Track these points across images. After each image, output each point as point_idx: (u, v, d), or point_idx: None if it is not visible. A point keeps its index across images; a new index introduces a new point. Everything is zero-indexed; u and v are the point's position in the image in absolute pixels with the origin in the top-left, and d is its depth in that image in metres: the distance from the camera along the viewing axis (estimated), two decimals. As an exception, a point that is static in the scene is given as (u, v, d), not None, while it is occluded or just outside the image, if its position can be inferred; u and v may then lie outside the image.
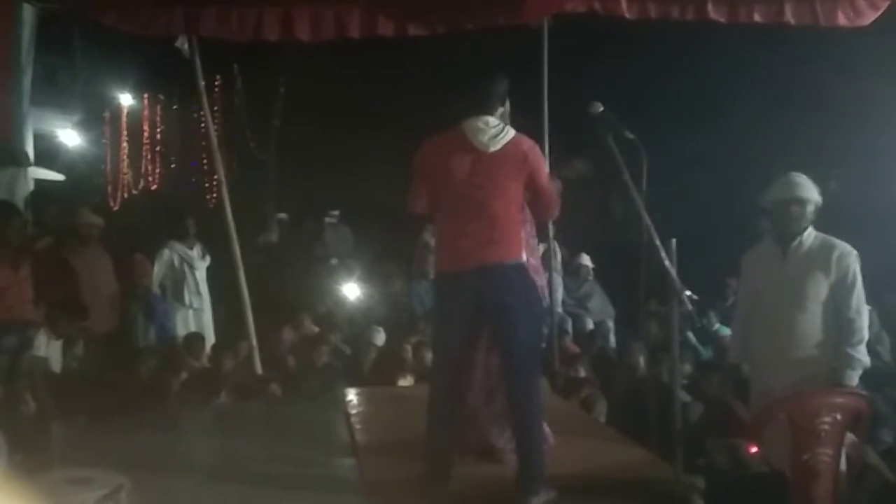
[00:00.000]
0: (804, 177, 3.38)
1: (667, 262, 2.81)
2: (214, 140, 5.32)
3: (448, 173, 2.80)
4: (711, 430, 3.70)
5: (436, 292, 2.97)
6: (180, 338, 5.49)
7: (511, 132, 2.80)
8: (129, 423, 3.92)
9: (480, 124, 2.77)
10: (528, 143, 2.83)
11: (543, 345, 3.26)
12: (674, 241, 2.93)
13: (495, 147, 2.75)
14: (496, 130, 2.77)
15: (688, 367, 3.89)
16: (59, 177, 8.10)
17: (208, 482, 3.20)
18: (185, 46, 4.74)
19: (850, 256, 3.26)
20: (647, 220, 2.85)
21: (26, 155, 4.14)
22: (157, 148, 13.97)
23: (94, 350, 4.60)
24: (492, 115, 2.81)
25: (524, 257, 2.86)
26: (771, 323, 3.33)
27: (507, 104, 2.97)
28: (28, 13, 4.02)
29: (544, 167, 2.91)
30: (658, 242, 2.83)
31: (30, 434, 3.32)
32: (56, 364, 4.15)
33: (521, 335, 2.78)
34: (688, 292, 2.86)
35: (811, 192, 3.32)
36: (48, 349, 3.96)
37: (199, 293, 5.86)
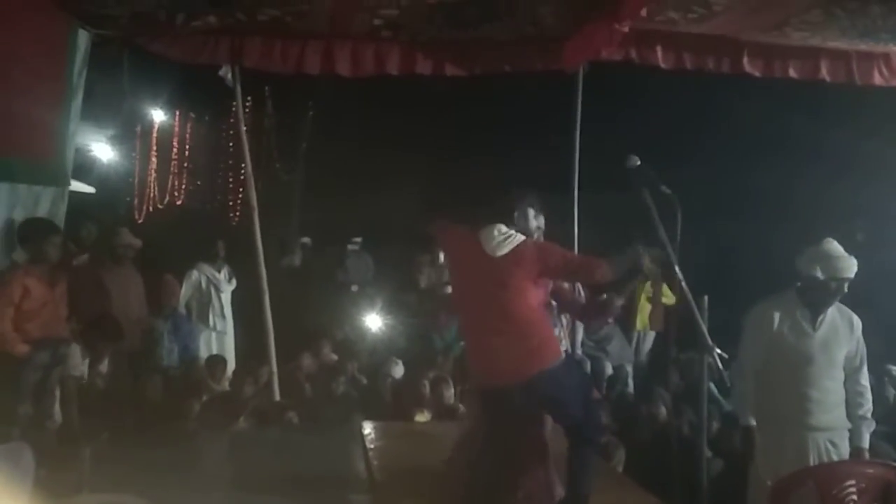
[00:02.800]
0: (844, 253, 3.34)
1: (698, 318, 2.82)
2: (249, 165, 5.39)
3: (462, 275, 3.03)
4: (733, 489, 3.66)
5: (482, 405, 3.05)
6: (202, 359, 5.53)
7: (519, 238, 2.92)
8: (149, 442, 3.96)
9: (494, 232, 2.92)
10: (532, 243, 2.95)
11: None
12: (706, 297, 2.95)
13: (502, 252, 2.87)
14: (504, 237, 2.90)
15: (715, 425, 3.85)
16: (91, 189, 8.26)
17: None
18: (229, 76, 4.87)
19: (859, 325, 3.37)
20: (679, 275, 2.88)
21: (68, 175, 4.25)
22: (185, 164, 14.18)
23: (118, 367, 4.64)
24: (504, 223, 2.95)
25: (562, 352, 2.94)
26: (799, 387, 3.30)
27: (542, 220, 3.13)
28: (83, 38, 4.16)
29: (553, 250, 2.94)
30: (690, 298, 2.85)
31: (55, 450, 3.36)
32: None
33: (573, 413, 2.90)
34: (718, 350, 2.85)
35: (852, 271, 3.30)
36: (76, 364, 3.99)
37: (223, 316, 5.91)
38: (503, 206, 3.00)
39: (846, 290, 3.32)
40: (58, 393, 3.70)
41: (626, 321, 6.93)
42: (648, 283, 6.86)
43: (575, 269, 2.95)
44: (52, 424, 3.68)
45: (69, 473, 2.95)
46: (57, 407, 3.69)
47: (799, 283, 3.40)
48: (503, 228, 2.93)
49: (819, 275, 3.27)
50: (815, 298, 3.34)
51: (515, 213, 3.00)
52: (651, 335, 7.07)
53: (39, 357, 3.68)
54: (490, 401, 2.99)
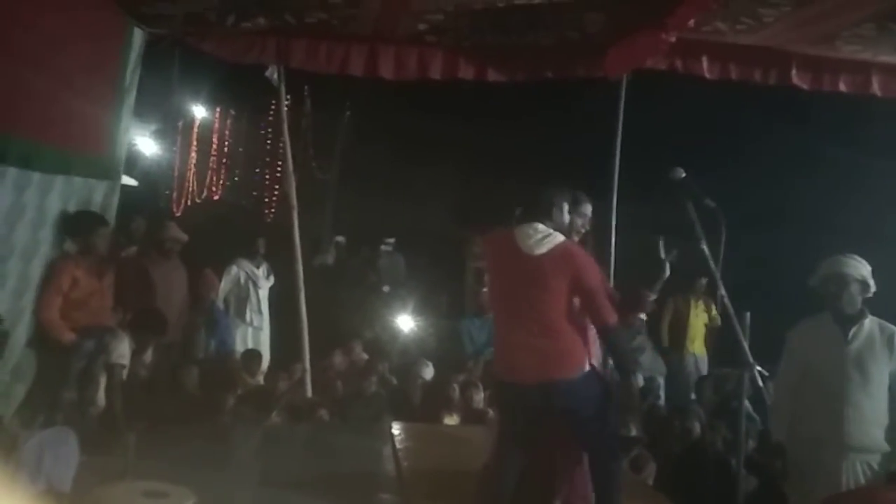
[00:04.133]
0: (853, 256, 3.34)
1: (740, 335, 2.79)
2: (290, 164, 5.47)
3: (499, 273, 3.00)
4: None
5: (499, 398, 3.11)
6: (238, 353, 5.61)
7: (559, 238, 2.88)
8: (185, 433, 4.04)
9: (530, 231, 2.89)
10: (575, 247, 2.92)
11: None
12: (748, 314, 2.91)
13: (540, 251, 2.84)
14: (542, 236, 2.87)
15: (751, 443, 3.79)
16: (134, 182, 8.47)
17: (258, 502, 3.27)
18: (275, 76, 4.95)
19: None
20: (722, 290, 2.85)
21: (120, 170, 4.37)
22: (224, 160, 14.41)
23: (159, 359, 4.74)
24: (543, 221, 2.92)
25: (587, 365, 2.87)
26: (833, 403, 3.25)
27: (589, 210, 3.13)
28: (137, 36, 4.27)
29: (594, 271, 2.89)
30: (732, 313, 2.82)
31: (97, 437, 3.45)
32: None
33: (591, 428, 2.87)
34: (758, 368, 2.82)
35: (854, 270, 3.28)
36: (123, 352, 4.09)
37: (260, 312, 6.00)
38: (540, 204, 2.97)
39: (860, 293, 3.26)
40: (102, 381, 3.79)
41: (656, 334, 6.85)
42: (700, 304, 6.80)
43: (598, 306, 2.83)
44: (95, 411, 3.77)
45: (110, 459, 3.02)
46: (101, 394, 3.79)
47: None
48: (540, 227, 2.90)
49: (817, 283, 3.31)
50: (835, 309, 3.31)
51: (553, 211, 2.96)
52: (705, 359, 6.86)
53: (85, 345, 3.78)
54: (507, 395, 2.99)
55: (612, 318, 2.82)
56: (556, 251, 2.84)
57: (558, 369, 2.82)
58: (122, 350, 3.82)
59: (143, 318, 4.34)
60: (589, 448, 2.91)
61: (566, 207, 3.01)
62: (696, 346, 6.86)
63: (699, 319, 6.82)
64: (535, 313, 2.83)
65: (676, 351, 6.83)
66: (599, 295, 2.84)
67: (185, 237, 5.31)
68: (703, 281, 6.60)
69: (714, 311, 6.64)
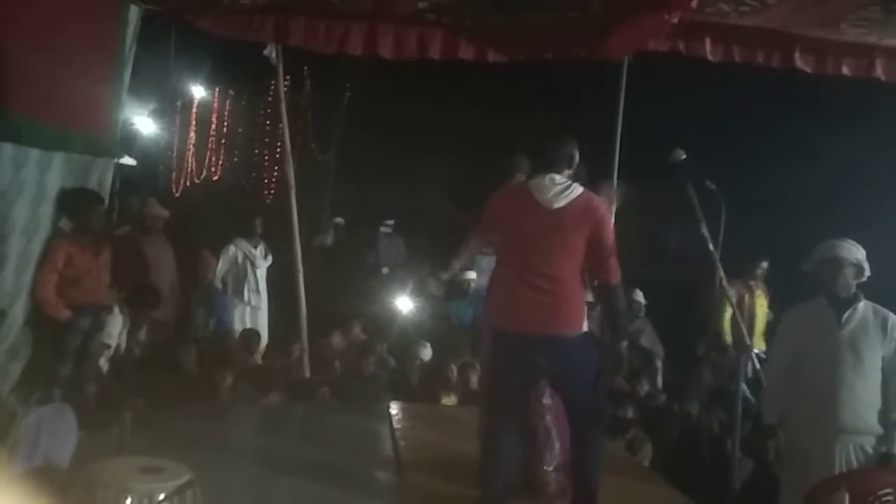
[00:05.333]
0: (847, 240, 3.34)
1: (738, 316, 2.80)
2: (288, 144, 5.45)
3: (513, 227, 2.86)
4: (762, 490, 3.62)
5: (493, 346, 2.98)
6: (236, 333, 5.63)
7: (578, 189, 2.82)
8: (182, 411, 4.06)
9: (546, 182, 2.81)
10: (596, 200, 2.86)
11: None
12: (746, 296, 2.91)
13: (559, 203, 2.78)
14: (561, 188, 2.80)
15: (747, 427, 3.80)
16: (133, 162, 8.43)
17: (254, 480, 3.29)
18: (273, 54, 4.90)
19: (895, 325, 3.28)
20: (721, 272, 2.85)
21: (118, 146, 4.34)
22: (223, 140, 14.33)
23: (154, 337, 4.76)
24: (559, 173, 2.84)
25: (584, 327, 2.84)
26: (826, 386, 3.25)
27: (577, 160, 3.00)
28: (133, 13, 4.22)
29: (610, 226, 2.86)
30: (730, 295, 2.82)
31: (93, 413, 3.46)
32: (120, 348, 4.32)
33: (580, 395, 2.84)
34: (756, 350, 2.82)
35: (848, 253, 3.28)
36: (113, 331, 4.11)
37: (258, 291, 6.00)
38: (558, 154, 2.86)
39: (851, 276, 3.27)
40: (100, 358, 3.80)
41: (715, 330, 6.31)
42: (761, 291, 5.93)
43: (608, 258, 2.80)
44: (92, 388, 3.79)
45: (107, 436, 3.03)
46: (97, 371, 3.80)
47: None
48: (557, 178, 2.81)
49: (812, 267, 3.31)
50: (830, 293, 3.31)
51: (572, 161, 2.87)
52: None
53: (81, 322, 3.79)
54: (507, 344, 2.87)
55: (617, 276, 2.82)
56: (577, 203, 2.78)
57: (557, 322, 2.77)
58: (112, 328, 3.81)
59: (138, 292, 4.34)
60: (575, 415, 2.87)
61: (577, 157, 2.94)
62: (758, 340, 5.71)
63: (761, 309, 5.87)
64: (546, 267, 2.76)
65: (742, 348, 5.87)
66: (610, 251, 2.82)
67: (165, 213, 5.31)
68: (765, 264, 5.98)
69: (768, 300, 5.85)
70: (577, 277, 2.82)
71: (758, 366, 2.76)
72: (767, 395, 3.48)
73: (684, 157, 2.95)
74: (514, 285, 2.83)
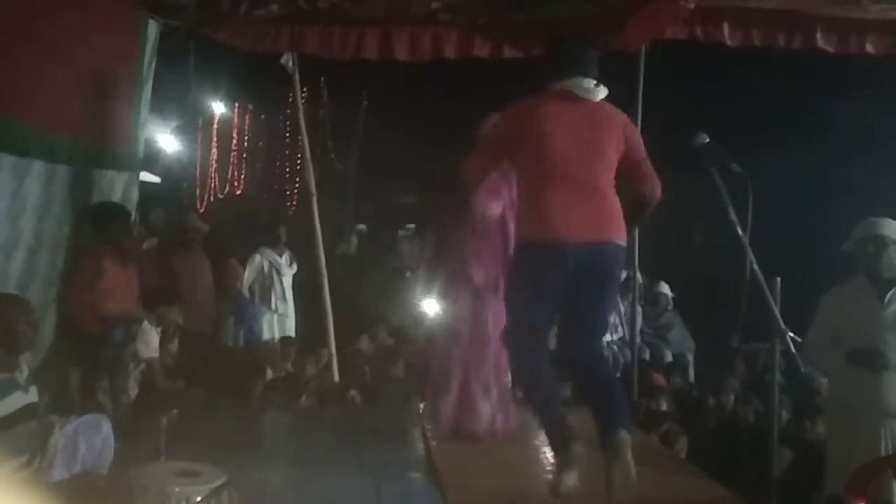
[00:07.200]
0: (887, 219, 3.27)
1: (770, 301, 2.73)
2: (308, 153, 5.50)
3: (550, 133, 2.69)
4: (802, 478, 3.54)
5: (526, 260, 2.77)
6: (265, 341, 5.68)
7: (604, 91, 2.75)
8: (216, 420, 4.09)
9: (583, 81, 2.72)
10: (624, 115, 2.84)
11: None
12: (778, 279, 2.85)
13: (600, 95, 2.73)
14: (596, 83, 2.74)
15: (785, 414, 3.72)
16: (157, 179, 8.57)
17: (288, 482, 3.29)
18: (290, 63, 4.95)
19: None
20: (751, 255, 2.78)
21: (141, 160, 4.42)
22: (244, 155, 14.51)
23: (187, 347, 4.81)
24: (589, 76, 2.75)
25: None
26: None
27: None
28: (152, 28, 4.30)
29: (639, 137, 2.83)
30: (762, 279, 2.75)
31: (129, 423, 3.51)
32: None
33: (605, 303, 2.85)
34: (791, 333, 2.75)
35: (892, 231, 3.21)
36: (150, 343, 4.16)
37: (284, 299, 6.04)
38: (586, 56, 2.77)
39: (894, 254, 3.19)
40: (132, 369, 3.86)
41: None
42: None
43: (648, 170, 2.77)
44: (127, 399, 3.84)
45: (143, 445, 3.07)
46: (131, 382, 3.86)
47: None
48: (592, 80, 2.73)
49: (852, 247, 3.25)
50: (873, 273, 3.24)
51: (597, 65, 2.77)
52: None
53: (114, 334, 3.84)
54: (538, 257, 2.69)
55: (658, 191, 2.81)
56: (611, 112, 2.76)
57: (610, 229, 2.69)
58: (149, 342, 3.86)
59: (154, 293, 4.40)
60: (589, 319, 2.78)
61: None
62: None
63: None
64: (589, 175, 2.69)
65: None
66: (649, 165, 2.81)
67: (206, 227, 5.37)
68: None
69: None
70: (615, 187, 2.78)
71: (793, 349, 2.69)
72: (807, 347, 3.29)
73: (707, 140, 2.89)
74: (558, 197, 2.68)
